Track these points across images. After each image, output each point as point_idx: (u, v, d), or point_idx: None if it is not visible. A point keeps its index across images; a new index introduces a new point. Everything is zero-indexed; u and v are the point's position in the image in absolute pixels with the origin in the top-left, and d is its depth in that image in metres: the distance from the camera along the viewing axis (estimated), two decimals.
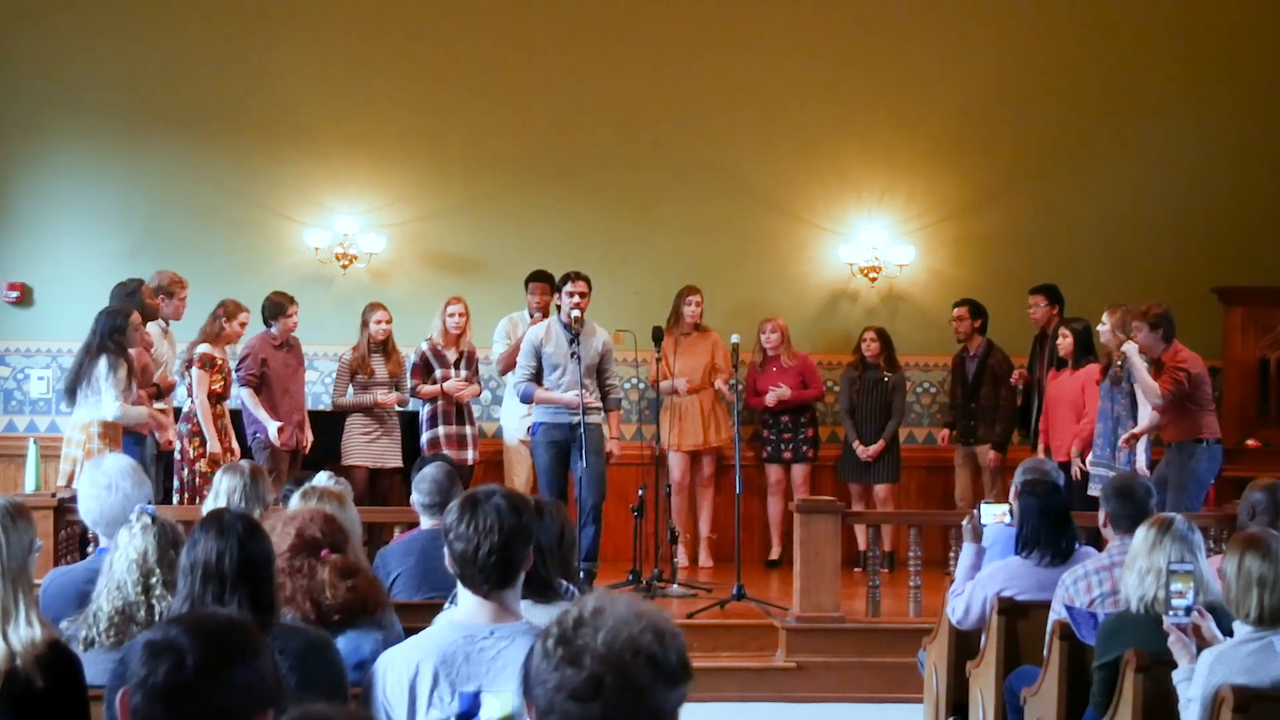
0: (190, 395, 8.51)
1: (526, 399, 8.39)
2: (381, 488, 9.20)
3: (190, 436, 8.38)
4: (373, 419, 9.18)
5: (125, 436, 7.83)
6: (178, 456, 8.39)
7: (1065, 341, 8.79)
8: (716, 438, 9.67)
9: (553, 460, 8.27)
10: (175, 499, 8.24)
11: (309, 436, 8.95)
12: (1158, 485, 7.78)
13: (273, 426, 8.60)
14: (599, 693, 1.96)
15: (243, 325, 8.71)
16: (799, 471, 9.81)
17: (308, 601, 3.78)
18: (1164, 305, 7.94)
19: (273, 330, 8.90)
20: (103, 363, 7.47)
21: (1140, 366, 7.76)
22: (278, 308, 8.88)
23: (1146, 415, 7.96)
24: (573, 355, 8.14)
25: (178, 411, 8.61)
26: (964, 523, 6.31)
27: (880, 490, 9.83)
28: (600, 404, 8.38)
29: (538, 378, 8.28)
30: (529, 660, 2.50)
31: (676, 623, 2.05)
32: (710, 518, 9.76)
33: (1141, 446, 8.02)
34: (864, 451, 9.73)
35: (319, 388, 9.92)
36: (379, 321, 9.24)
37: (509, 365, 9.18)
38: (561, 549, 4.13)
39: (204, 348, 8.48)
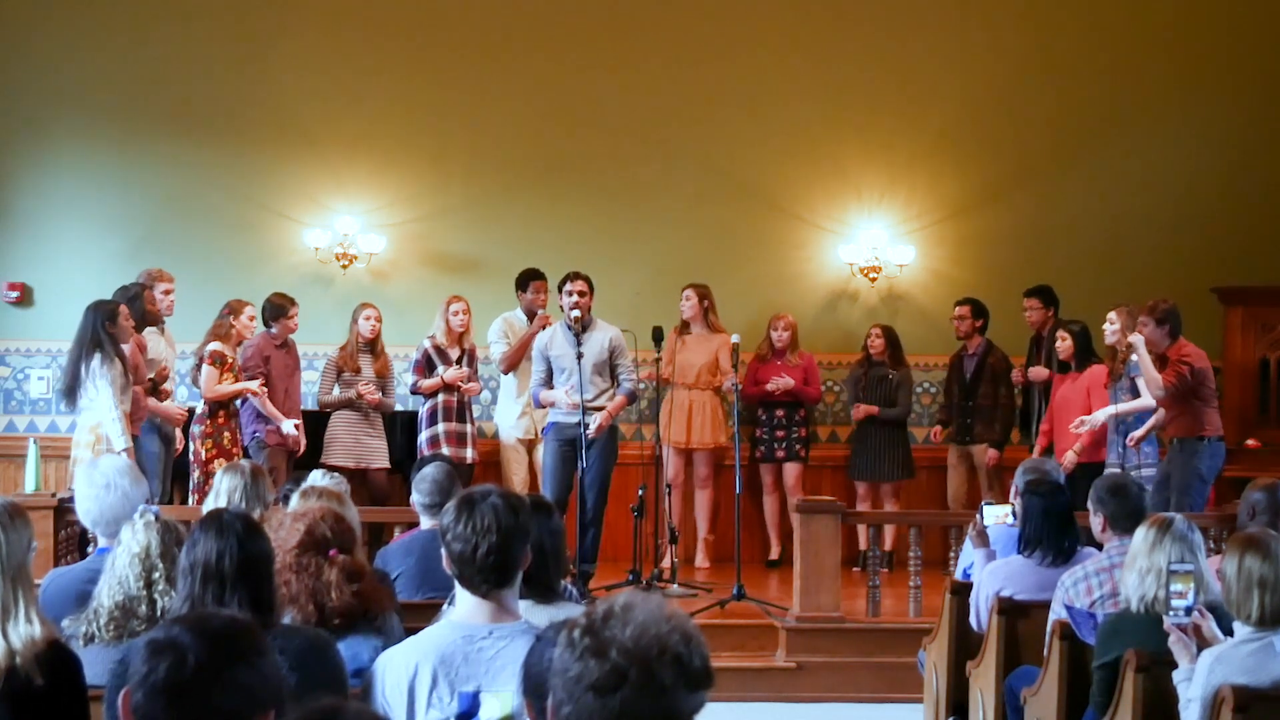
0: (199, 392, 8.55)
1: (536, 403, 8.48)
2: (375, 488, 9.17)
3: (203, 438, 8.39)
4: (360, 418, 9.17)
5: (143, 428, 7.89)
6: (191, 457, 8.41)
7: (1064, 344, 8.76)
8: (704, 436, 9.59)
9: (557, 460, 8.26)
10: (191, 499, 8.25)
11: (302, 438, 8.95)
12: (1160, 483, 7.81)
13: (288, 424, 8.63)
14: (620, 686, 1.96)
15: (251, 319, 8.80)
16: (791, 470, 9.81)
17: (311, 603, 3.77)
18: (1170, 301, 7.96)
19: (273, 330, 8.91)
20: (95, 363, 7.46)
21: (1146, 358, 7.78)
22: (279, 309, 8.89)
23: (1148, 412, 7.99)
24: (578, 356, 8.13)
25: (189, 413, 8.63)
26: (969, 530, 6.31)
27: (887, 487, 9.84)
28: (609, 402, 8.32)
29: (550, 381, 8.31)
30: (530, 658, 2.51)
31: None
32: (708, 519, 9.74)
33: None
34: (856, 410, 9.76)
35: (318, 388, 9.91)
36: (368, 319, 9.25)
37: (511, 365, 9.19)
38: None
39: (216, 345, 8.52)
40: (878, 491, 9.91)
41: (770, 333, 9.84)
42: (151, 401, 8.30)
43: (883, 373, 9.85)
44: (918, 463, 10.06)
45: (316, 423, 9.23)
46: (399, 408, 9.70)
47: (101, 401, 7.47)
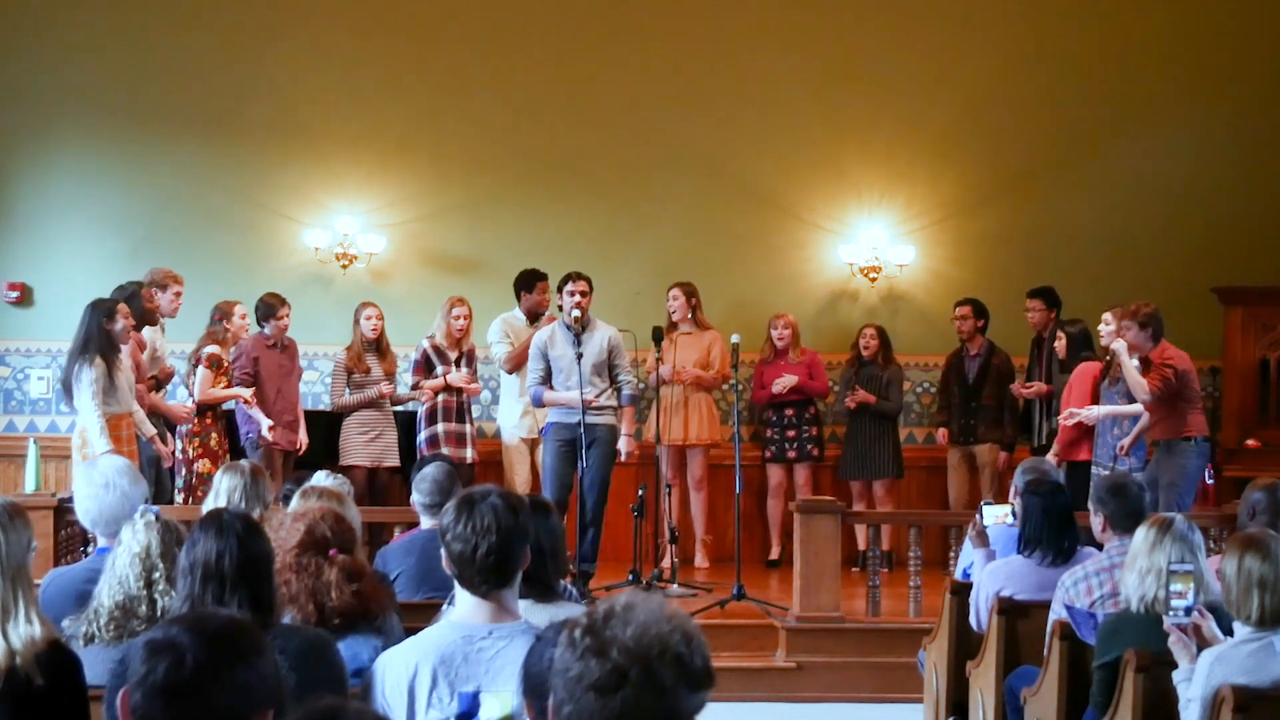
0: (190, 394, 8.56)
1: (536, 402, 8.46)
2: (380, 487, 9.20)
3: (190, 437, 8.42)
4: (375, 414, 9.18)
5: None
6: (179, 456, 8.43)
7: (1060, 344, 8.82)
8: (701, 433, 9.55)
9: (558, 460, 8.25)
10: (180, 499, 8.27)
11: (303, 438, 8.96)
12: (1148, 485, 7.80)
13: (264, 423, 8.63)
14: (621, 686, 1.96)
15: (243, 318, 8.87)
16: (802, 471, 9.80)
17: (310, 603, 3.78)
18: (1153, 305, 7.95)
19: (265, 331, 8.93)
20: (76, 367, 7.46)
21: (1129, 364, 7.77)
22: (269, 309, 8.92)
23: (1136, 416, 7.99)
24: (577, 356, 8.13)
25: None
26: (969, 529, 6.32)
27: (879, 486, 9.83)
28: (610, 403, 8.32)
29: (549, 380, 8.30)
30: (530, 658, 2.51)
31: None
32: (705, 519, 9.72)
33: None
34: (856, 395, 9.73)
35: (319, 388, 9.92)
36: (369, 318, 9.27)
37: (517, 365, 9.17)
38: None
39: (212, 348, 8.55)
40: (871, 490, 9.89)
41: (770, 333, 9.83)
42: (154, 398, 8.34)
43: (874, 371, 9.86)
44: (915, 462, 10.06)
45: (320, 423, 9.24)
46: (398, 408, 9.70)
47: (81, 403, 7.47)
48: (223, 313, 8.77)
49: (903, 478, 9.95)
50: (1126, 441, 8.01)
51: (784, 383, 9.68)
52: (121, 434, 7.55)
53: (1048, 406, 9.25)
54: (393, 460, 9.24)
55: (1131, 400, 7.98)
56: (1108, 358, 8.25)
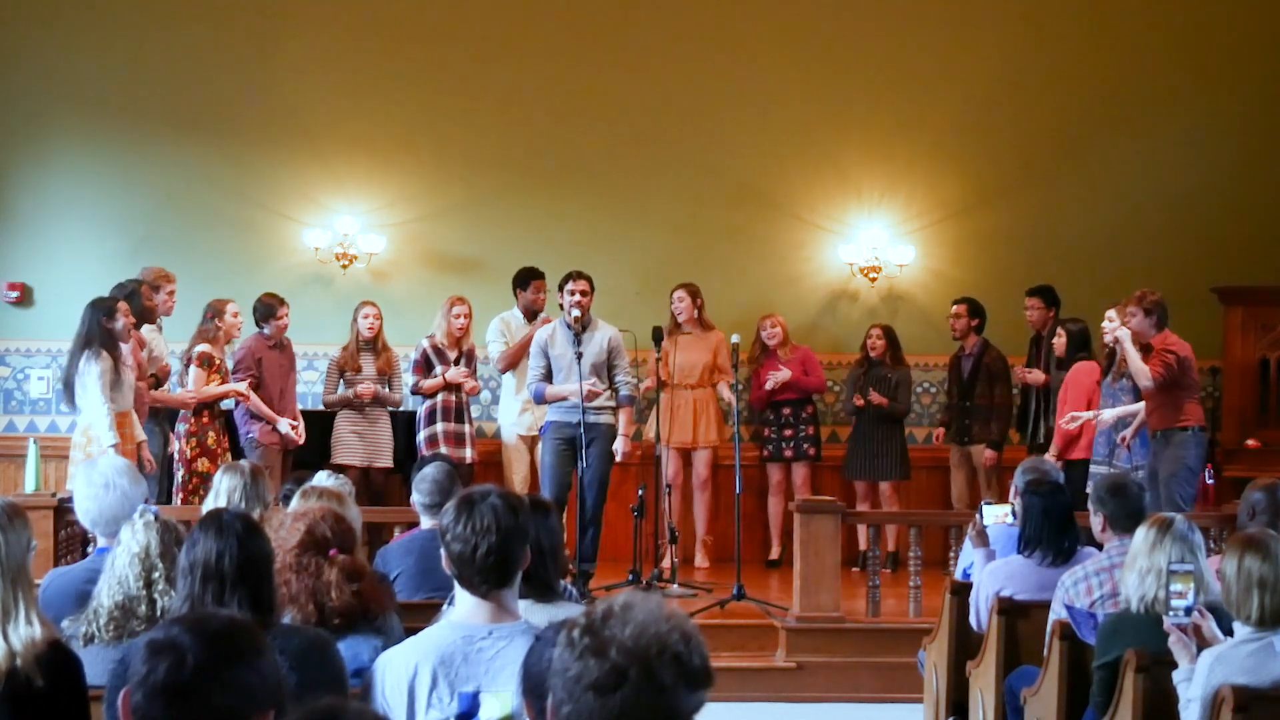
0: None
1: (538, 399, 8.44)
2: (375, 487, 9.20)
3: (188, 437, 8.43)
4: (361, 416, 9.18)
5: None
6: (176, 456, 8.44)
7: (1059, 341, 8.82)
8: (708, 437, 9.59)
9: (557, 459, 8.25)
10: (176, 499, 8.27)
11: (301, 434, 8.97)
12: (1148, 477, 7.80)
13: (284, 423, 8.66)
14: (620, 685, 1.96)
15: (235, 316, 8.81)
16: (799, 470, 9.79)
17: (310, 603, 3.78)
18: (1159, 293, 7.96)
19: (265, 331, 8.94)
20: (81, 362, 7.47)
21: (1132, 351, 7.77)
22: (268, 309, 8.92)
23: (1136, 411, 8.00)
24: (577, 355, 8.13)
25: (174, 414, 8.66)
26: (969, 529, 6.32)
27: (885, 487, 9.82)
28: (610, 403, 8.33)
29: (549, 378, 8.30)
30: (529, 658, 2.51)
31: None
32: (706, 519, 9.72)
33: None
34: (861, 400, 9.68)
35: (319, 387, 9.92)
36: (366, 317, 9.27)
37: (510, 364, 9.19)
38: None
39: (203, 347, 8.55)
40: (876, 491, 9.89)
41: (760, 333, 9.83)
42: (156, 393, 8.35)
43: (882, 372, 9.84)
44: (917, 463, 10.04)
45: (316, 422, 9.24)
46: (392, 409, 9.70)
47: (89, 397, 7.47)
48: (215, 310, 8.74)
49: (909, 479, 9.94)
50: (1128, 432, 8.01)
51: (778, 378, 9.64)
52: (125, 431, 7.58)
53: (1045, 405, 9.25)
54: (385, 460, 9.24)
55: (1138, 397, 7.98)
56: (1108, 353, 8.24)
